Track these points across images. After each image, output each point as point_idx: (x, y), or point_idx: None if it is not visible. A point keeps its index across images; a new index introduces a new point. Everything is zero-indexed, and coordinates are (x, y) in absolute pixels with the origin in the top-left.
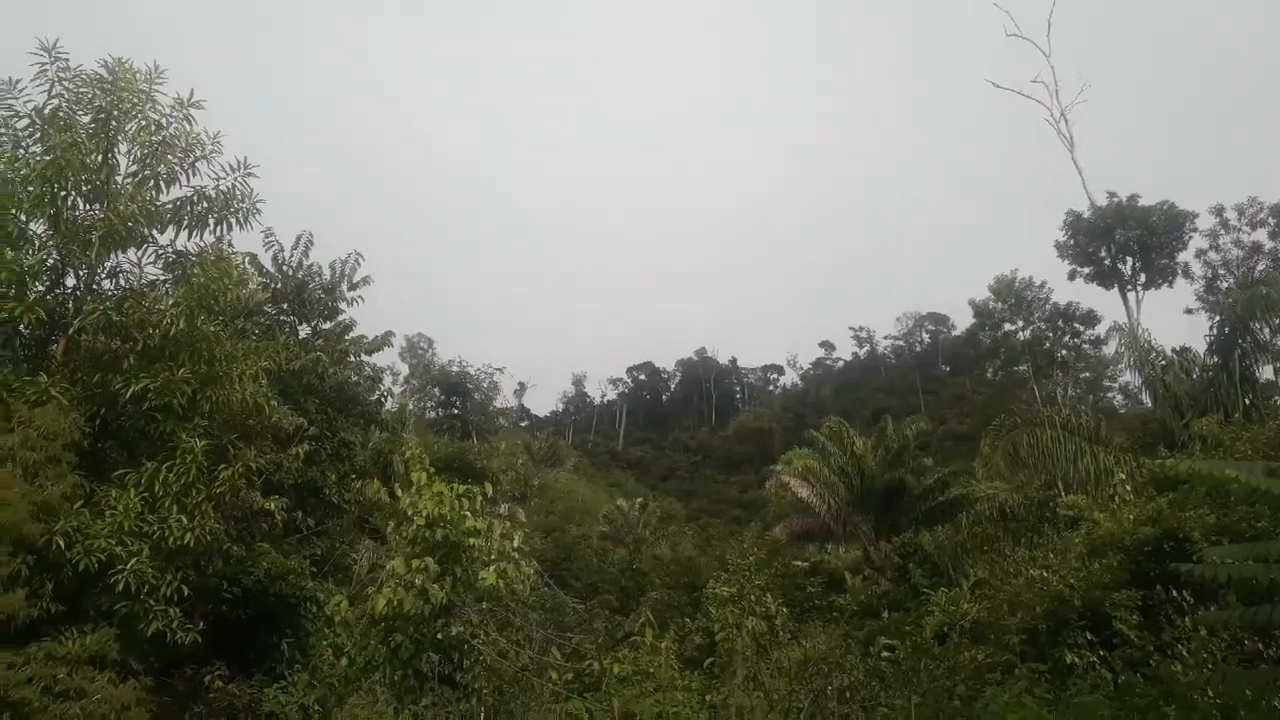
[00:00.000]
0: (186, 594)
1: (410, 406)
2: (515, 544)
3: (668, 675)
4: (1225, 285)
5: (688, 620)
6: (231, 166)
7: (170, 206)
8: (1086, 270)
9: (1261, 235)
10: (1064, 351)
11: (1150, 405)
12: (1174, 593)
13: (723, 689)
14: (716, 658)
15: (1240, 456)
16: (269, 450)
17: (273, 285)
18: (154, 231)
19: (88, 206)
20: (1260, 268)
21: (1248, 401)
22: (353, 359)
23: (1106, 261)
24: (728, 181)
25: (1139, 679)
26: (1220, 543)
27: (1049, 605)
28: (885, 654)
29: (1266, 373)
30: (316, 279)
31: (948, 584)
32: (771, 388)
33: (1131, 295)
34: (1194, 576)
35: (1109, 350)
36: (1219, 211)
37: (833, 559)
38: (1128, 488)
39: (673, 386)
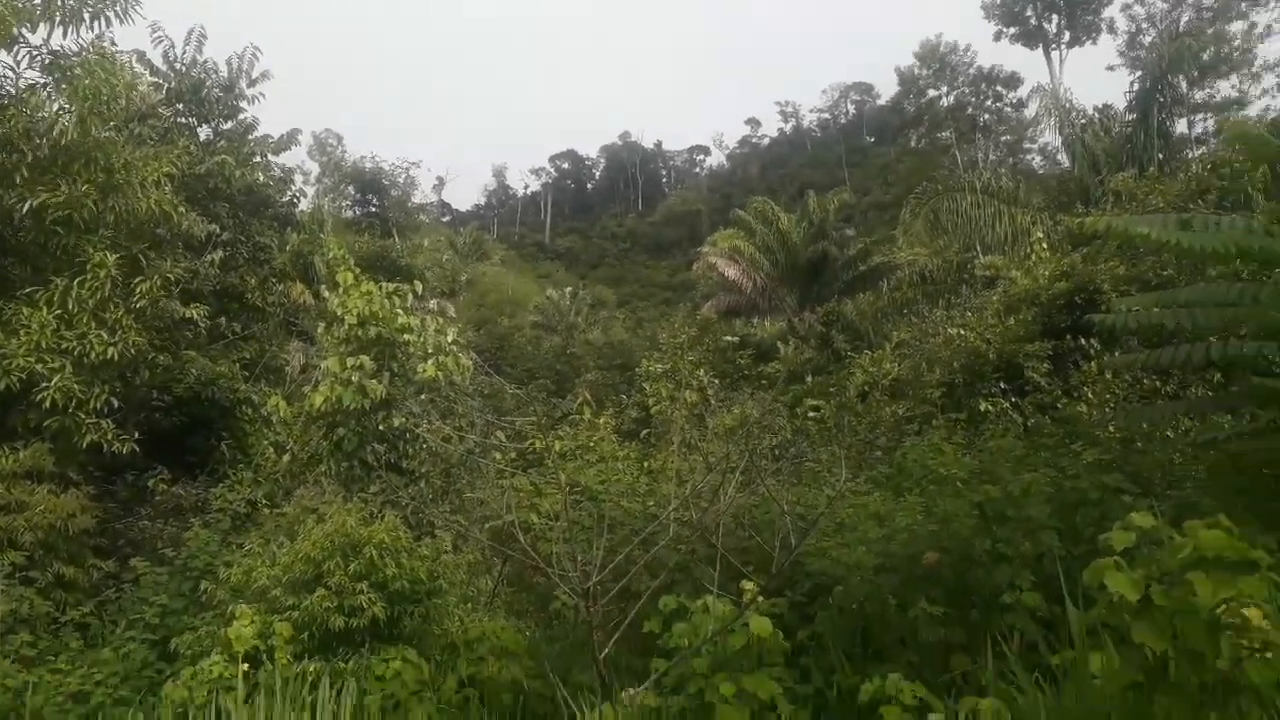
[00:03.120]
0: (116, 406)
1: (326, 207)
2: (450, 338)
3: (608, 448)
4: (1149, 40)
5: (623, 398)
6: None
7: (39, 1)
8: (1012, 30)
9: None
10: (986, 116)
11: (1068, 165)
12: (1083, 342)
13: (660, 456)
14: (653, 429)
15: (1153, 210)
16: (183, 259)
17: (166, 85)
18: (24, 31)
19: None
20: (1185, 19)
21: (1162, 156)
22: (259, 160)
23: (1032, 20)
24: None
25: (1048, 421)
26: (1129, 293)
27: (966, 360)
28: (811, 414)
29: (1181, 127)
30: (213, 76)
31: (869, 348)
32: (698, 170)
33: (1055, 55)
34: (1103, 326)
35: (1030, 112)
36: None
37: (759, 332)
38: (1044, 246)
39: (597, 174)
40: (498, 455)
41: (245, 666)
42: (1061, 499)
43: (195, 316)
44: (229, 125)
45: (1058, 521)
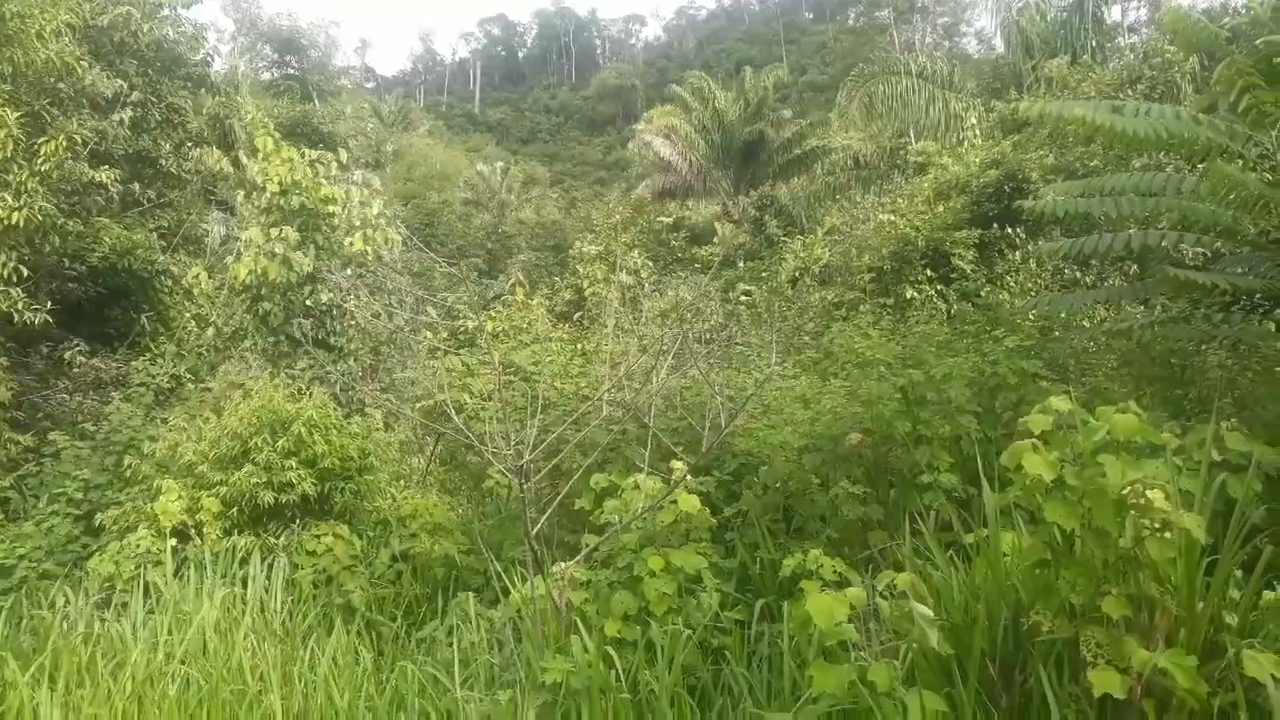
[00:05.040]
0: (26, 274)
1: (241, 68)
2: (376, 211)
3: (542, 329)
4: None
5: (556, 280)
6: None
7: None
8: None
9: None
10: None
11: (1003, 50)
12: (1009, 230)
13: (594, 338)
14: (586, 311)
15: (1084, 98)
16: (90, 119)
17: None
18: None
19: None
20: None
21: (1095, 43)
22: (168, 13)
23: None
24: None
25: (971, 308)
26: (1056, 181)
27: (895, 247)
28: (743, 299)
29: (1115, 15)
30: None
31: (802, 233)
32: (634, 41)
33: None
34: (1030, 212)
35: None
36: None
37: (693, 214)
38: (976, 132)
39: (529, 42)
40: (429, 334)
41: (173, 542)
42: (981, 384)
43: (106, 181)
44: None
45: (977, 405)
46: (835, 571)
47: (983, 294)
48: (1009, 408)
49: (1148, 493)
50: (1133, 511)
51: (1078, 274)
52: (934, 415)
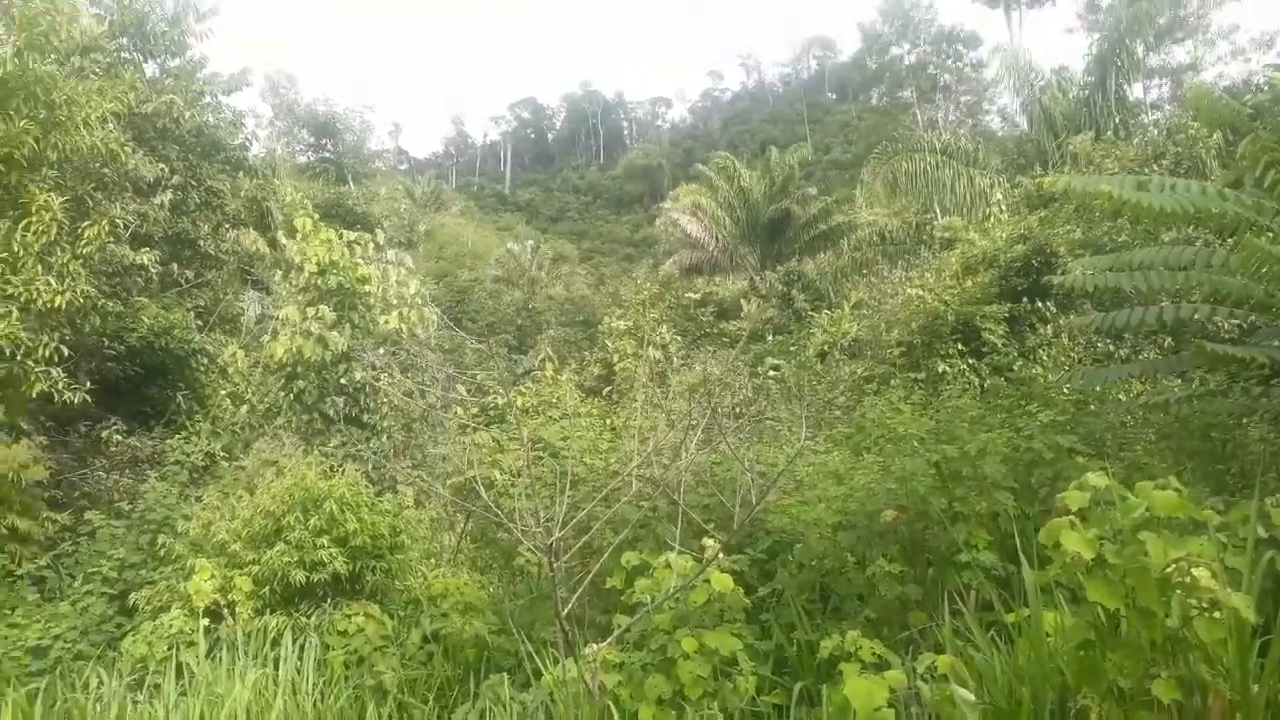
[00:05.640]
0: (67, 354)
1: (279, 151)
2: (413, 290)
3: (570, 404)
4: (1106, 3)
5: (585, 354)
6: None
7: None
8: None
9: None
10: (947, 75)
11: (1026, 127)
12: (1039, 304)
13: (623, 413)
14: (615, 386)
15: (1110, 173)
16: (132, 202)
17: (108, 17)
18: None
19: None
20: None
21: (1118, 120)
22: (209, 100)
23: None
24: None
25: (1004, 382)
26: (1084, 256)
27: (924, 321)
28: (772, 373)
29: (1137, 91)
30: (158, 9)
31: (829, 308)
32: (660, 122)
33: (1015, 16)
34: (1059, 287)
35: (990, 73)
36: None
37: (721, 290)
38: (1002, 208)
39: (558, 124)
40: (459, 410)
41: (206, 621)
42: (1017, 459)
43: (146, 262)
44: (176, 62)
45: (1013, 481)
46: (874, 653)
47: (1015, 368)
48: (1046, 483)
49: (1193, 571)
50: (1178, 590)
51: (1111, 347)
52: (970, 491)
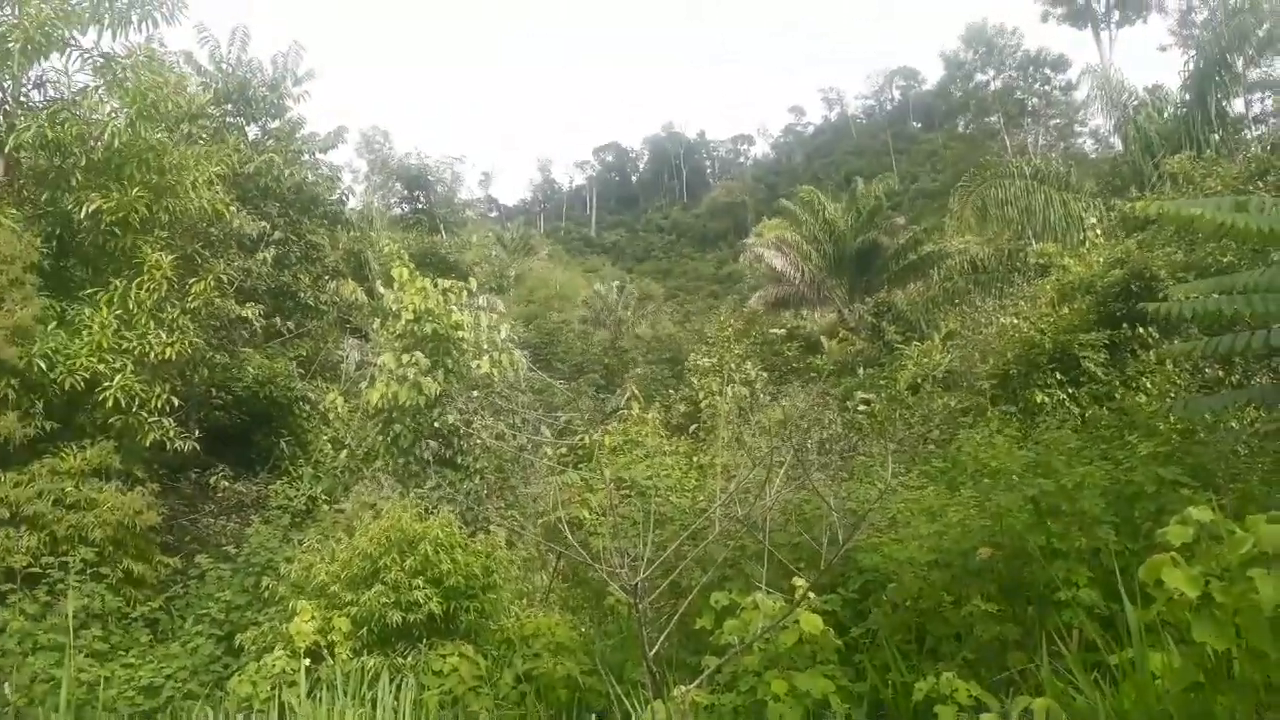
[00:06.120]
0: (177, 404)
1: (375, 204)
2: (504, 335)
3: (656, 442)
4: (1201, 18)
5: (671, 392)
6: None
7: (87, 5)
8: (1059, 10)
9: None
10: (1035, 100)
11: (1121, 148)
12: (1140, 330)
13: (709, 451)
14: (701, 423)
15: (1210, 193)
16: (236, 258)
17: (213, 85)
18: (74, 34)
19: None
20: None
21: (1219, 137)
22: (307, 158)
23: None
24: None
25: (1104, 412)
26: (1186, 279)
27: (1019, 350)
28: (861, 407)
29: (1238, 106)
30: (258, 75)
31: (920, 339)
32: (742, 159)
33: (1105, 35)
34: (1160, 313)
35: (1080, 95)
36: None
37: (808, 324)
38: (1098, 232)
39: (641, 166)
40: (549, 451)
41: (307, 662)
42: (1118, 492)
43: (250, 315)
44: (276, 124)
45: (1114, 516)
46: (970, 695)
47: (1116, 396)
48: (1148, 517)
49: None
50: None
51: (1220, 373)
52: (1069, 527)
